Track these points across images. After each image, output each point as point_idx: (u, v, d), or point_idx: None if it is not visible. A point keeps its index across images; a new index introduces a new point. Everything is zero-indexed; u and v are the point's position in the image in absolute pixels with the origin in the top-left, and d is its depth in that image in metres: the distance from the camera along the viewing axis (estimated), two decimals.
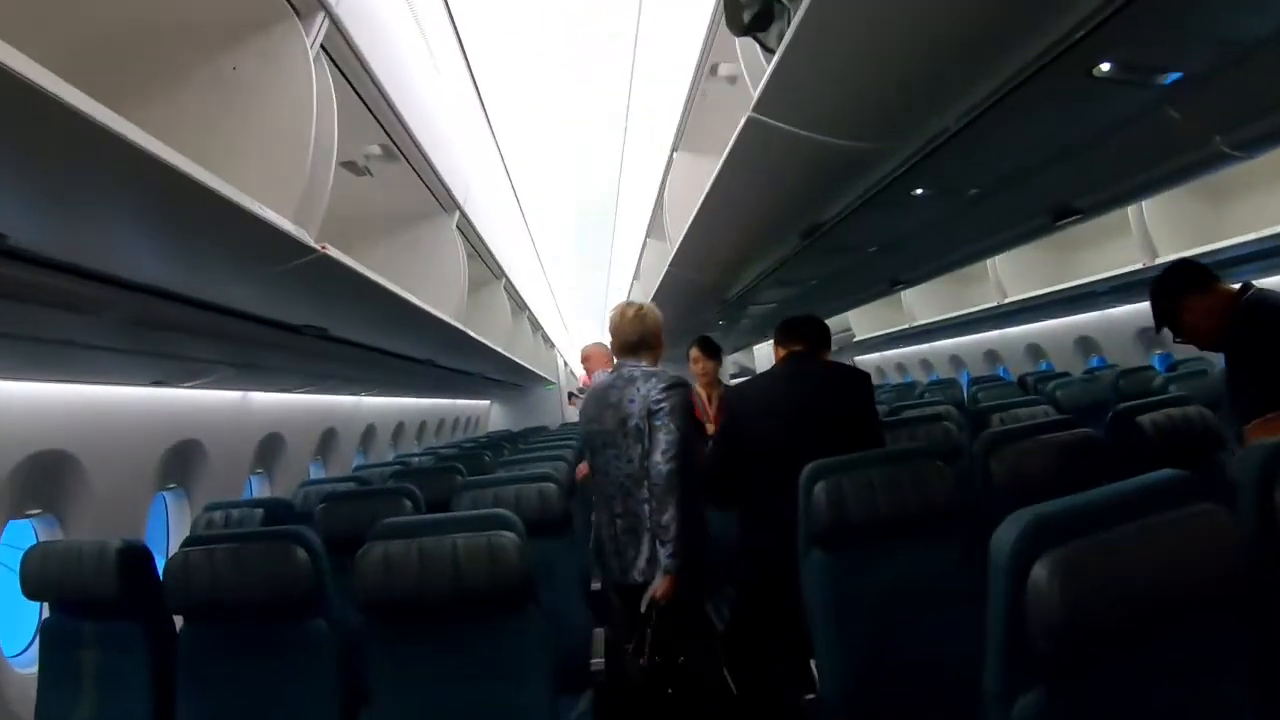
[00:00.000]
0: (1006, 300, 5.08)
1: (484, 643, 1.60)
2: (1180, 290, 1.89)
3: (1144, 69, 1.58)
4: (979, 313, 5.67)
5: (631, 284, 7.40)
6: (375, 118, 2.22)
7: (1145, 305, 2.01)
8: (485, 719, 1.58)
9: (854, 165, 2.09)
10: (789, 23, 1.43)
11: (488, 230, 4.09)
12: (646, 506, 1.96)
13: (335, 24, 1.69)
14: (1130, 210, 3.58)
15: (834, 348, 2.48)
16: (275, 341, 2.50)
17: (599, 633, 2.23)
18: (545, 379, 9.87)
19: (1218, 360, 2.28)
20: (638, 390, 2.02)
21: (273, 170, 1.52)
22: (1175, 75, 1.60)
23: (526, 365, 6.69)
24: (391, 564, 1.55)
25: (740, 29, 1.69)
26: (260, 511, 2.86)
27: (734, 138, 2.04)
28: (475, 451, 4.97)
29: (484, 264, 4.48)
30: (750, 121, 1.87)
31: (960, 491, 1.78)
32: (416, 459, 5.15)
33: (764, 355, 11.42)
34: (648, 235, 5.21)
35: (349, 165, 2.55)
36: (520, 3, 4.04)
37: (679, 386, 2.01)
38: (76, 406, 2.50)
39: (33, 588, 1.83)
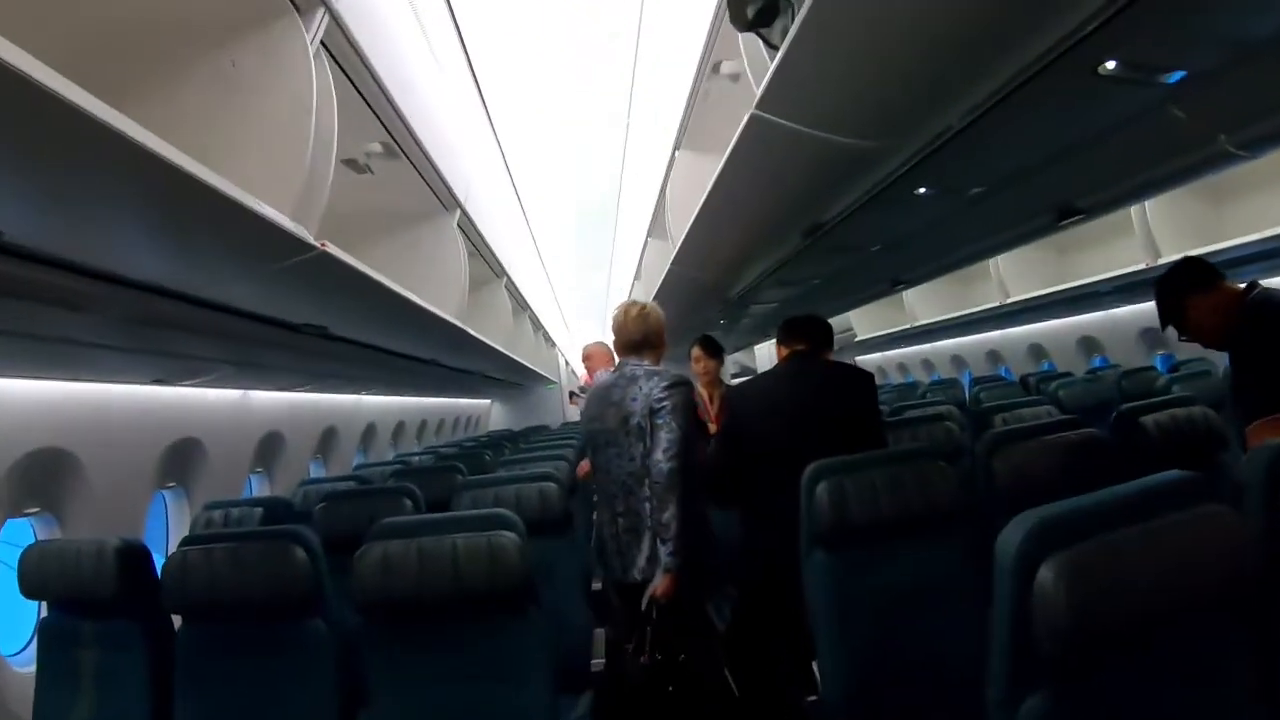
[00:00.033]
0: (1009, 300, 5.07)
1: (484, 643, 1.59)
2: (1186, 288, 1.88)
3: (1149, 67, 1.56)
4: (981, 313, 5.66)
5: (633, 283, 7.40)
6: (376, 115, 2.21)
7: (1148, 305, 2.00)
8: None
9: (857, 163, 2.08)
10: (793, 18, 1.42)
11: (489, 229, 4.08)
12: (648, 505, 1.95)
13: (335, 20, 1.68)
14: (1133, 210, 3.57)
15: (835, 347, 2.47)
16: (275, 340, 2.49)
17: (599, 633, 2.23)
18: (546, 378, 9.86)
19: (1221, 360, 2.28)
20: (640, 389, 2.01)
21: (272, 167, 1.51)
22: (1180, 74, 1.59)
23: (527, 364, 6.68)
24: (390, 564, 1.54)
25: (744, 24, 1.68)
26: (260, 510, 2.85)
27: (736, 135, 2.03)
28: (476, 451, 4.96)
29: (485, 263, 4.47)
30: (753, 119, 1.86)
31: (963, 492, 1.77)
32: (417, 458, 5.14)
33: (764, 355, 11.42)
34: (649, 234, 5.20)
35: (350, 163, 2.54)
36: (522, 1, 4.04)
37: (681, 385, 2.01)
38: (75, 404, 2.50)
39: (31, 586, 1.82)
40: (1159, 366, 4.85)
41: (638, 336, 2.13)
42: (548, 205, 7.09)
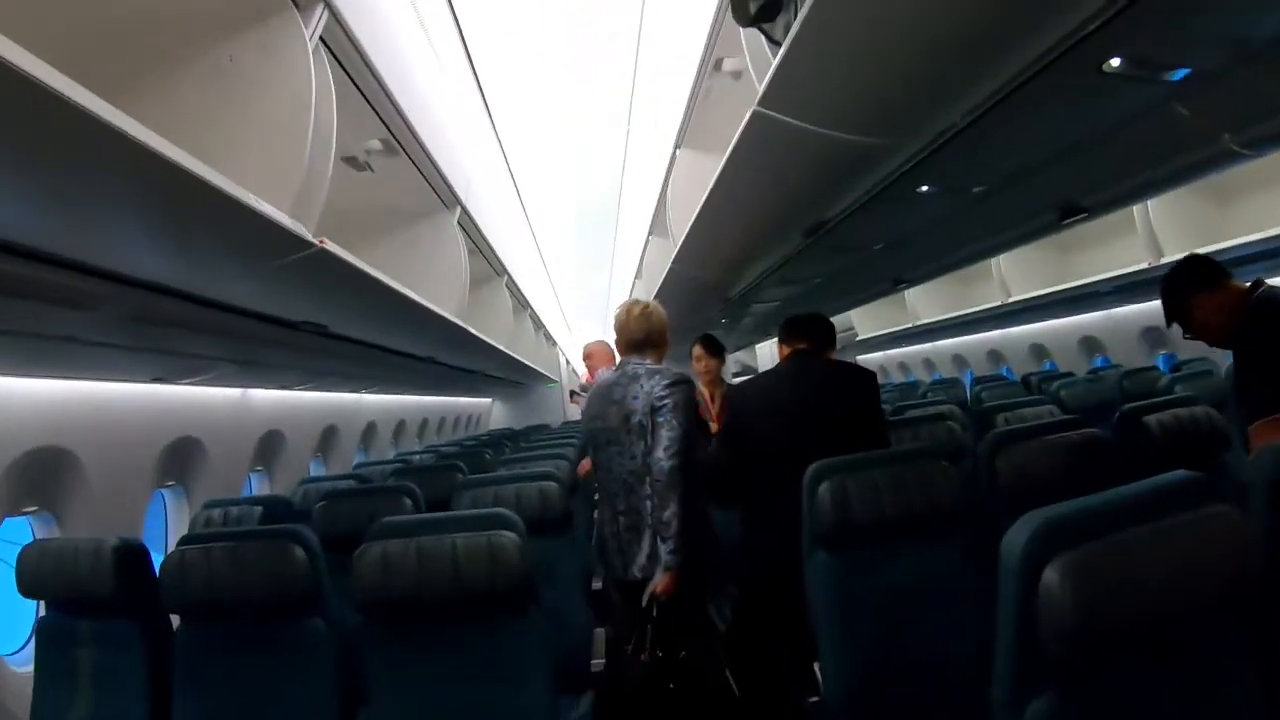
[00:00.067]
0: (1010, 300, 5.06)
1: (484, 643, 1.58)
2: (1191, 286, 1.88)
3: (1153, 65, 1.55)
4: (982, 312, 5.65)
5: (634, 282, 7.38)
6: (375, 112, 2.20)
7: (1150, 305, 2.00)
8: None
9: (859, 161, 2.07)
10: (796, 14, 1.41)
11: (489, 227, 4.07)
12: (649, 503, 1.95)
13: (335, 16, 1.67)
14: (1135, 209, 3.56)
15: (837, 346, 2.46)
16: (275, 338, 2.48)
17: (600, 633, 2.22)
18: (547, 377, 9.86)
19: (1223, 360, 2.27)
20: (641, 387, 2.01)
21: (271, 164, 1.50)
22: (1184, 72, 1.58)
23: (528, 363, 6.67)
24: (390, 564, 1.54)
25: (746, 20, 1.67)
26: (259, 509, 2.85)
27: (738, 133, 2.02)
28: (476, 449, 4.96)
29: (485, 261, 4.46)
30: (755, 116, 1.85)
31: (965, 492, 1.76)
32: (417, 457, 5.14)
33: (766, 354, 11.41)
34: (650, 233, 5.18)
35: (349, 160, 2.53)
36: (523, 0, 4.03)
37: (683, 383, 2.01)
38: (74, 403, 2.49)
39: (29, 585, 1.82)
40: (1161, 366, 4.84)
41: (640, 335, 2.13)
42: (548, 203, 7.09)
